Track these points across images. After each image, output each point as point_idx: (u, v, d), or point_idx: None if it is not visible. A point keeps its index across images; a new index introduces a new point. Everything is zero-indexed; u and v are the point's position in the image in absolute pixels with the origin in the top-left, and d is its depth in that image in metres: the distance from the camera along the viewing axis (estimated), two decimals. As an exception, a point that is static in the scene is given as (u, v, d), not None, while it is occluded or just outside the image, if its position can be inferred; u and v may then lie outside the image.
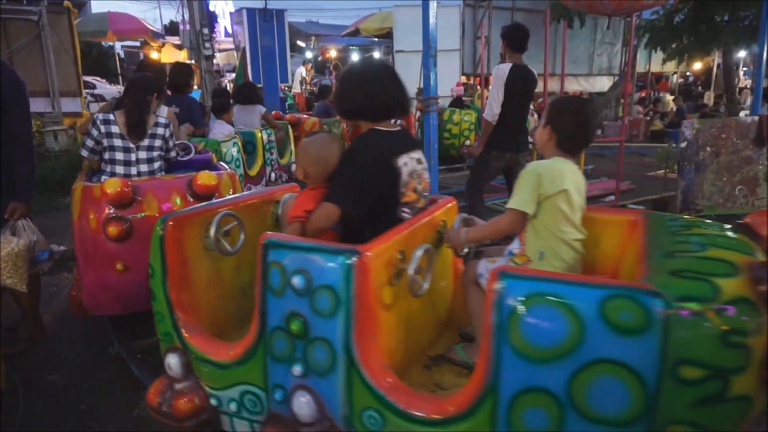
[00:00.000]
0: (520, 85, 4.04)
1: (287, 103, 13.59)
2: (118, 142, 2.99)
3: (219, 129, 5.12)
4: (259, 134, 5.65)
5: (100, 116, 3.05)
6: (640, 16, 13.01)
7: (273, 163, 5.98)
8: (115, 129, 3.00)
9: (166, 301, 1.97)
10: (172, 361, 1.94)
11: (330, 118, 7.30)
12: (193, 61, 10.22)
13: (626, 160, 8.94)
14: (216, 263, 2.13)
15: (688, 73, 21.16)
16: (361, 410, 1.56)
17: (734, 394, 1.19)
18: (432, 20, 2.65)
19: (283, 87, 13.27)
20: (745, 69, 17.19)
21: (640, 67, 16.13)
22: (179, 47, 14.39)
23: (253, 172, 5.56)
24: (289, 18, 13.61)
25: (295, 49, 20.62)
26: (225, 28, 16.75)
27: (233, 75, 12.67)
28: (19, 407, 2.51)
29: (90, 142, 3.03)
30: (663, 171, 6.15)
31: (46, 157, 7.57)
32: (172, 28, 21.16)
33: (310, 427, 1.61)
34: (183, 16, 10.80)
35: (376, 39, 15.38)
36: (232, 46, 15.18)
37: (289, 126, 6.69)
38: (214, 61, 11.92)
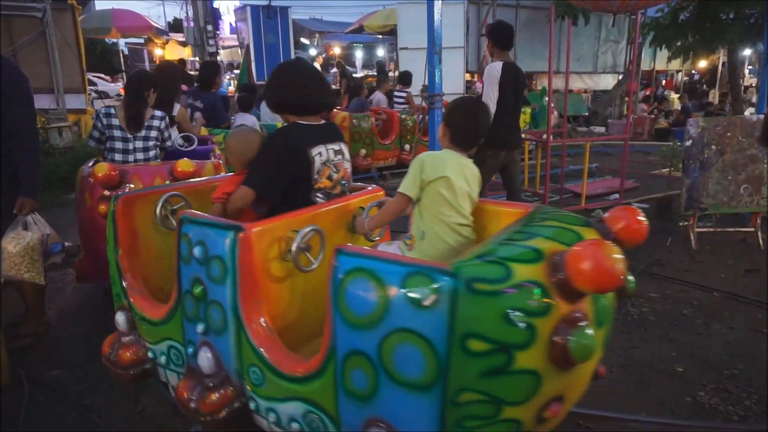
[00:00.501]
0: (512, 83, 4.09)
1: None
2: (117, 133, 3.30)
3: (242, 121, 5.49)
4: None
5: (103, 110, 3.36)
6: (645, 14, 12.96)
7: None
8: (115, 121, 3.30)
9: (117, 267, 2.28)
10: (120, 318, 2.24)
11: (362, 113, 7.54)
12: (197, 58, 10.23)
13: (630, 158, 8.91)
14: (165, 237, 2.34)
15: (693, 72, 21.05)
16: (248, 366, 1.78)
17: (519, 367, 1.30)
18: (437, 17, 2.64)
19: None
20: (750, 67, 17.09)
21: (645, 65, 16.07)
22: (183, 44, 14.41)
23: None
24: (293, 15, 13.58)
25: (298, 46, 20.58)
26: (229, 24, 16.73)
27: (237, 71, 12.66)
28: (24, 402, 2.53)
29: (95, 133, 3.34)
30: (667, 169, 6.13)
31: (50, 153, 7.59)
32: (176, 25, 21.15)
33: (211, 379, 1.83)
34: (187, 13, 10.80)
35: (380, 36, 15.34)
36: (236, 43, 15.17)
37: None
38: (218, 57, 11.92)
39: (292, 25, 12.10)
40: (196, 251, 1.84)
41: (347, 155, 2.28)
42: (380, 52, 17.88)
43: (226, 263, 1.78)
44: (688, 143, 4.51)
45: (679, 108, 13.92)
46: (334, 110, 7.77)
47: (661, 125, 12.74)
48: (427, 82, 2.80)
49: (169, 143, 3.61)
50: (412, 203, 1.97)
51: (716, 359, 2.86)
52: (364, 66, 18.99)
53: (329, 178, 2.16)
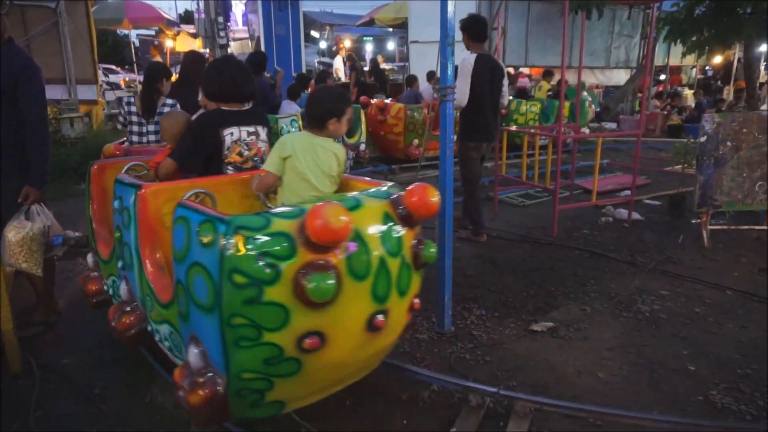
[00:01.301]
0: (488, 75, 4.21)
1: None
2: (135, 119, 3.91)
3: (287, 108, 6.35)
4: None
5: (125, 98, 4.00)
6: (661, 8, 12.77)
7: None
8: (133, 108, 3.90)
9: (89, 217, 2.96)
10: (89, 258, 2.98)
11: (416, 104, 7.76)
12: (208, 49, 10.23)
13: (643, 154, 8.80)
14: None
15: (707, 67, 20.76)
16: (145, 295, 2.25)
17: (268, 299, 1.65)
18: (450, 8, 2.61)
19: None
20: (766, 63, 16.82)
21: (659, 61, 15.86)
22: (194, 36, 14.40)
23: None
24: (304, 7, 13.54)
25: (309, 38, 20.53)
26: (241, 15, 16.71)
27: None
28: (35, 390, 2.54)
29: (120, 118, 4.04)
30: (681, 166, 6.05)
31: (62, 143, 7.63)
32: (187, 17, 21.16)
33: (127, 305, 2.38)
34: (198, 4, 10.78)
35: (391, 29, 15.26)
36: (247, 35, 15.15)
37: (361, 109, 7.20)
38: (229, 49, 11.91)
39: (302, 18, 12.05)
40: (116, 203, 2.44)
41: (263, 136, 2.71)
42: (390, 45, 17.80)
43: (130, 213, 2.29)
44: (703, 139, 4.44)
45: (693, 104, 13.75)
46: (389, 101, 8.12)
47: (673, 121, 12.58)
48: (439, 74, 2.77)
49: None
50: (279, 178, 2.34)
51: (729, 358, 2.83)
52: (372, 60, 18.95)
53: (239, 154, 2.61)
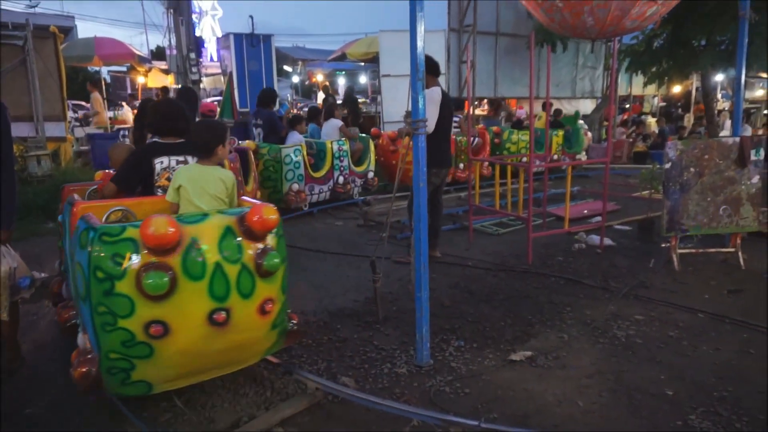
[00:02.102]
0: (447, 107, 4.65)
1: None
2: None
3: (291, 139, 6.92)
4: (329, 144, 7.09)
5: (122, 132, 4.79)
6: (621, 41, 13.30)
7: (343, 169, 7.22)
8: (126, 141, 4.41)
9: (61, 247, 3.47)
10: (64, 289, 3.29)
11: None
12: (180, 85, 10.24)
13: (611, 181, 9.03)
14: None
15: (668, 95, 21.59)
16: (75, 293, 2.57)
17: (118, 291, 2.08)
18: (420, 44, 2.66)
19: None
20: (723, 92, 17.59)
21: (622, 90, 16.43)
22: (166, 72, 14.39)
23: (319, 174, 6.99)
24: (276, 43, 13.70)
25: (281, 73, 20.73)
26: (212, 53, 16.81)
27: (220, 98, 12.67)
28: (-5, 442, 2.41)
29: None
30: (648, 191, 6.21)
31: (28, 182, 7.45)
32: (159, 53, 21.17)
33: (67, 302, 3.07)
34: (170, 41, 10.82)
35: (363, 63, 15.52)
36: (219, 71, 15.22)
37: (370, 139, 7.84)
38: (201, 85, 11.93)
39: (275, 53, 12.18)
40: (60, 217, 3.13)
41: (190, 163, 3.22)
42: (363, 79, 18.09)
43: (66, 223, 2.83)
44: (668, 166, 4.58)
45: (656, 132, 14.24)
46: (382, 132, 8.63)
47: (639, 148, 12.99)
48: (410, 108, 2.82)
49: None
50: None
51: (705, 381, 2.85)
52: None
53: (168, 179, 3.03)
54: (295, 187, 6.69)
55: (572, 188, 8.42)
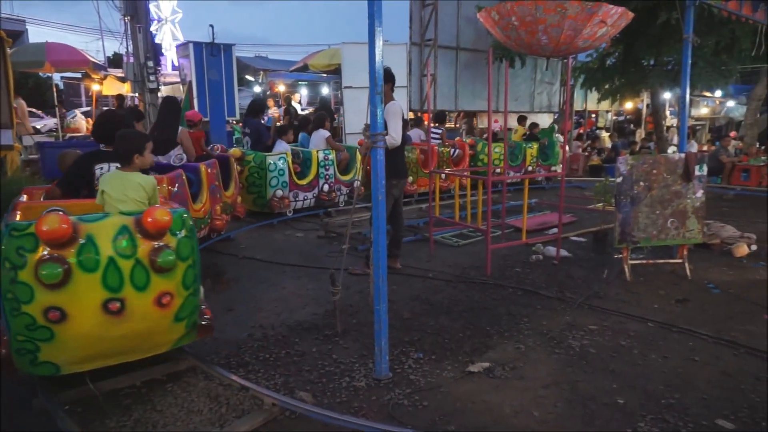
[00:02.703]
0: (403, 120, 4.79)
1: (234, 137, 13.41)
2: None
3: (278, 147, 7.34)
4: (315, 153, 7.45)
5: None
6: (576, 58, 13.76)
7: (328, 177, 7.60)
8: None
9: None
10: None
11: (408, 144, 8.64)
12: (137, 94, 9.99)
13: (567, 193, 9.28)
14: None
15: (621, 111, 22.42)
16: None
17: (20, 279, 2.37)
18: (378, 58, 2.68)
19: (231, 121, 13.11)
20: (671, 109, 18.40)
21: (578, 105, 16.97)
22: (122, 80, 14.02)
23: (304, 182, 7.35)
24: (238, 53, 13.55)
25: (243, 83, 20.48)
26: (172, 60, 16.49)
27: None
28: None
29: None
30: (601, 204, 6.41)
31: (-29, 191, 7.09)
32: (116, 60, 20.63)
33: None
34: (127, 48, 10.54)
35: (325, 75, 15.52)
36: (178, 80, 14.92)
37: (357, 150, 7.92)
38: (159, 93, 11.66)
39: (235, 63, 12.05)
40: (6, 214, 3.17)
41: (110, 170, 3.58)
42: (325, 90, 18.08)
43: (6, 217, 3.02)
44: (619, 180, 4.74)
45: (610, 146, 14.76)
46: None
47: (594, 162, 13.42)
48: (369, 121, 2.83)
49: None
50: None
51: (654, 389, 2.94)
52: (310, 103, 19.13)
53: None
54: (279, 193, 7.05)
55: (530, 200, 8.62)
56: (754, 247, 5.79)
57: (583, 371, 3.15)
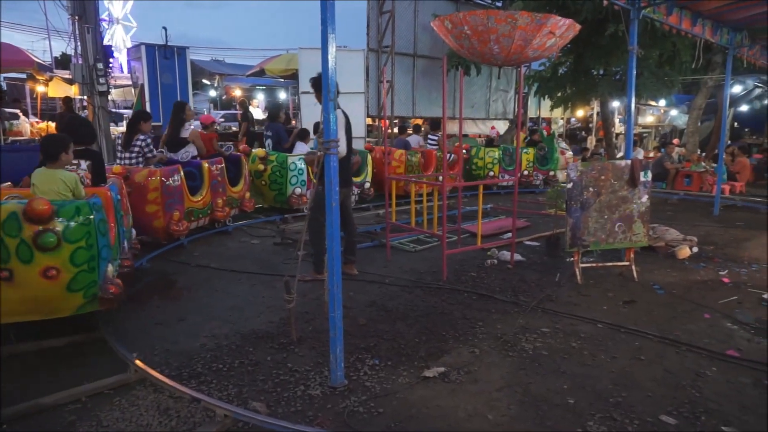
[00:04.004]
0: (348, 128, 4.69)
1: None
2: (120, 149, 6.04)
3: (297, 149, 8.07)
4: None
5: (117, 135, 5.59)
6: (530, 67, 14.12)
7: None
8: (119, 143, 6.05)
9: None
10: None
11: (409, 149, 9.77)
12: (86, 96, 9.66)
13: (522, 199, 9.51)
14: None
15: (572, 119, 23.15)
16: None
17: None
18: (331, 64, 2.68)
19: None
20: (620, 117, 19.14)
21: (532, 113, 17.43)
22: (70, 81, 13.50)
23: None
24: (193, 56, 13.28)
25: (198, 86, 20.07)
26: (122, 63, 16.00)
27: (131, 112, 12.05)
28: None
29: (119, 147, 6.11)
30: (554, 209, 6.59)
31: None
32: (64, 61, 19.85)
33: None
34: (75, 49, 10.16)
35: (282, 80, 15.39)
36: (130, 83, 14.49)
37: (368, 153, 8.89)
38: (110, 97, 11.28)
39: (190, 66, 11.80)
40: None
41: (83, 166, 4.30)
42: (282, 95, 17.91)
43: None
44: (570, 186, 4.88)
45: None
46: (391, 148, 9.90)
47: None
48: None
49: (150, 155, 5.98)
50: None
51: (603, 389, 3.03)
52: (267, 108, 18.94)
53: None
54: (298, 191, 7.71)
55: (486, 206, 8.77)
56: (695, 249, 6.08)
57: (536, 373, 3.21)
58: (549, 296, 4.57)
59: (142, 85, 10.89)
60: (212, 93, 18.85)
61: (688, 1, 6.17)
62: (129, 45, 16.14)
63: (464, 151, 10.73)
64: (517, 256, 5.65)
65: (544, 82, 12.84)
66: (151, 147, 6.03)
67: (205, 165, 6.34)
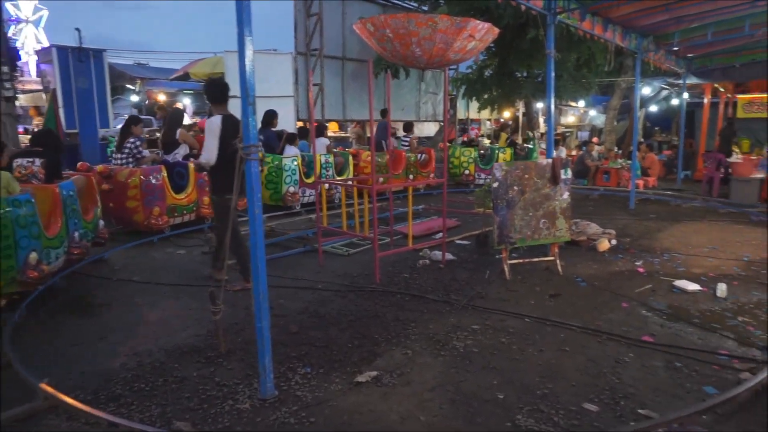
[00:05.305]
0: (233, 134, 4.42)
1: (110, 150, 12.45)
2: (115, 151, 6.92)
3: (288, 152, 8.67)
4: (318, 157, 8.37)
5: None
6: (457, 70, 14.45)
7: (327, 176, 8.83)
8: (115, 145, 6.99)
9: None
10: None
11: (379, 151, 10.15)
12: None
13: (454, 198, 9.70)
14: None
15: (501, 119, 23.93)
16: None
17: None
18: (248, 67, 2.60)
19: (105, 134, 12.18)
20: (544, 117, 19.99)
21: (461, 114, 17.84)
22: (-29, 86, 12.45)
23: (310, 180, 8.66)
24: (114, 59, 12.63)
25: (121, 92, 19.12)
26: (31, 67, 14.97)
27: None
28: None
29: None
30: (482, 208, 6.76)
31: None
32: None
33: None
34: (-25, 51, 9.38)
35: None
36: (40, 87, 13.58)
37: (350, 156, 9.81)
38: (17, 102, 10.52)
39: (108, 70, 11.21)
40: None
41: (37, 163, 5.02)
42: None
43: None
44: (495, 185, 5.02)
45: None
46: (355, 149, 11.16)
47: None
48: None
49: (139, 156, 6.79)
50: None
51: (530, 382, 3.12)
52: (196, 113, 18.30)
53: (20, 172, 4.77)
54: (291, 189, 8.36)
55: (418, 206, 8.87)
56: (614, 242, 6.42)
57: (467, 371, 3.26)
58: (479, 293, 4.67)
59: (54, 90, 10.22)
60: (133, 98, 17.97)
61: (600, 8, 6.51)
62: (45, 43, 15.10)
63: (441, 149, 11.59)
64: (449, 256, 5.75)
65: (471, 84, 13.18)
66: (140, 149, 6.85)
67: (191, 166, 7.03)
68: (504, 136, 13.89)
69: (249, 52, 2.60)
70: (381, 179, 9.43)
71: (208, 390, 3.05)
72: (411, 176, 10.51)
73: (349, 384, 3.10)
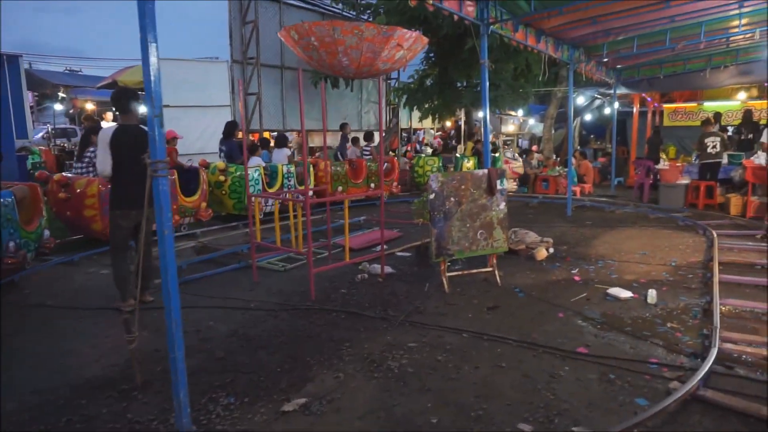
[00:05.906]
0: (130, 144, 4.34)
1: (31, 162, 11.65)
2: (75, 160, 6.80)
3: (252, 162, 8.46)
4: (281, 167, 9.02)
5: (76, 148, 7.15)
6: (398, 79, 14.48)
7: (290, 186, 9.14)
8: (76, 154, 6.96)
9: None
10: None
11: (338, 161, 10.71)
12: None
13: (396, 209, 9.62)
14: None
15: (443, 128, 24.21)
16: None
17: None
18: (153, 76, 2.38)
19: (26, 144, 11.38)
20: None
21: (403, 124, 17.88)
22: None
23: (273, 189, 8.82)
24: (44, 66, 11.85)
25: (44, 98, 18.05)
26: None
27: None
28: None
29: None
30: (420, 219, 6.69)
31: None
32: None
33: None
34: None
35: (141, 92, 14.26)
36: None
37: (311, 166, 10.04)
38: None
39: (24, 77, 10.48)
40: None
41: None
42: (142, 108, 16.62)
43: None
44: (432, 196, 4.94)
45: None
46: (314, 159, 11.20)
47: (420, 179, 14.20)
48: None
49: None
50: None
51: (465, 402, 3.02)
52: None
53: None
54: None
55: (359, 218, 8.73)
56: (551, 250, 6.49)
57: (400, 394, 3.12)
58: (417, 308, 4.56)
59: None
60: (58, 106, 16.95)
61: (531, 19, 6.62)
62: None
63: (407, 159, 12.68)
64: (388, 269, 5.62)
65: (413, 93, 13.22)
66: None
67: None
68: (470, 144, 14.16)
69: (153, 59, 2.38)
70: (341, 188, 10.11)
71: (118, 428, 2.77)
72: (373, 185, 10.66)
73: (275, 414, 2.90)
